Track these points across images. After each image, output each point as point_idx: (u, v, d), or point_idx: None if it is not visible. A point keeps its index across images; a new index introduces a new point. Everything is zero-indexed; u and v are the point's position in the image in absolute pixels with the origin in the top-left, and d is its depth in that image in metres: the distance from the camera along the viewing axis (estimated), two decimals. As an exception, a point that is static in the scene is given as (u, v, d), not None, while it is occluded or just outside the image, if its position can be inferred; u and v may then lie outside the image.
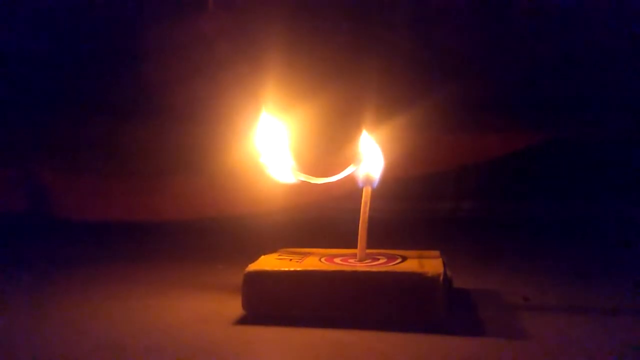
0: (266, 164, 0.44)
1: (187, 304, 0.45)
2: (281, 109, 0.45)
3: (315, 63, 0.88)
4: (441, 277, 0.38)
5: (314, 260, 0.43)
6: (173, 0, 0.94)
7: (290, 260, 0.42)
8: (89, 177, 0.91)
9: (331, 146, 0.83)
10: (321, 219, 0.88)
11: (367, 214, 0.43)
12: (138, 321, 0.41)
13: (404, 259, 0.43)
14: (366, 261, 0.42)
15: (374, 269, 0.40)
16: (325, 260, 0.43)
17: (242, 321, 0.40)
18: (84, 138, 0.94)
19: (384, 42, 0.93)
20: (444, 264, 0.41)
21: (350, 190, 0.45)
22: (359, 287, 0.39)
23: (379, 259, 0.43)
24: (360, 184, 0.44)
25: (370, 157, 0.44)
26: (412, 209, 0.91)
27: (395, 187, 0.82)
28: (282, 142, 0.44)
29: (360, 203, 0.43)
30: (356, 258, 0.43)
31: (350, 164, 0.43)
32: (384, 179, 0.44)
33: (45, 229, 0.85)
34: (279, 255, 0.44)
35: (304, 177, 0.44)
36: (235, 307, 0.41)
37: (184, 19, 0.93)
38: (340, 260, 0.43)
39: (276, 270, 0.40)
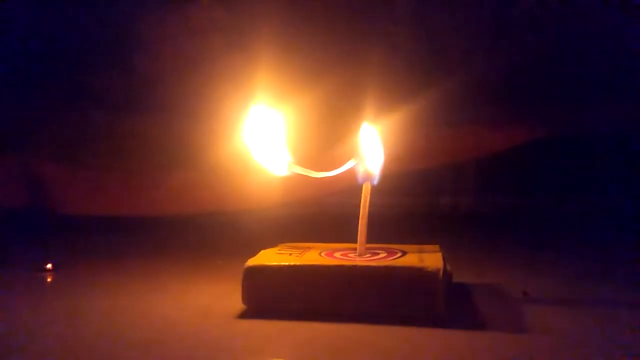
0: (259, 156, 0.44)
1: (187, 298, 0.45)
2: (280, 102, 0.45)
3: (314, 56, 0.88)
4: (441, 272, 0.38)
5: (313, 255, 0.43)
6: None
7: (290, 254, 0.42)
8: (88, 173, 0.91)
9: (331, 140, 0.83)
10: (321, 213, 0.88)
11: (367, 209, 0.43)
12: (138, 315, 0.41)
13: (404, 253, 0.43)
14: (366, 256, 0.42)
15: (374, 264, 0.40)
16: (325, 254, 0.43)
17: (242, 315, 0.40)
18: (83, 133, 0.94)
19: (384, 34, 0.92)
20: (444, 259, 0.41)
21: (350, 185, 0.45)
22: (359, 281, 0.39)
23: (378, 254, 0.43)
24: (360, 180, 0.44)
25: (370, 153, 0.44)
26: (412, 203, 0.91)
27: (395, 181, 0.82)
28: (277, 134, 0.44)
29: (360, 197, 0.43)
30: (356, 252, 0.43)
31: (350, 158, 0.43)
32: (384, 174, 0.44)
33: (44, 224, 0.85)
34: (279, 250, 0.44)
35: (303, 171, 0.44)
36: (235, 301, 0.41)
37: (182, 13, 0.92)
38: (340, 255, 0.43)
39: (276, 265, 0.40)
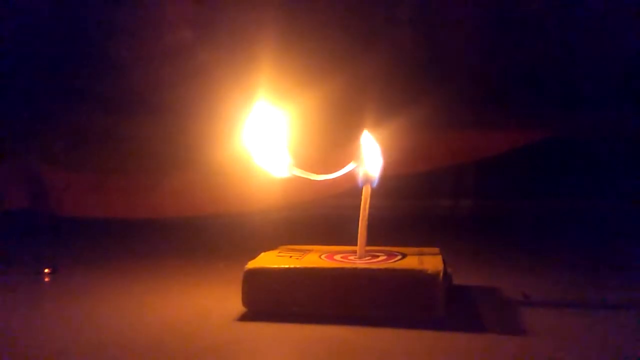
0: (260, 158, 0.44)
1: (187, 300, 0.45)
2: (280, 104, 0.45)
3: (315, 58, 0.88)
4: (441, 274, 0.38)
5: (314, 257, 0.43)
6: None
7: (290, 257, 0.42)
8: (88, 175, 0.91)
9: (332, 143, 0.83)
10: (321, 215, 0.88)
11: (367, 211, 0.43)
12: (138, 318, 0.41)
13: (404, 256, 0.43)
14: (366, 258, 0.42)
15: (374, 266, 0.40)
16: (325, 257, 0.43)
17: (243, 318, 0.40)
18: (83, 136, 0.94)
19: (385, 38, 0.93)
20: (444, 261, 0.41)
21: (351, 188, 0.45)
22: (359, 284, 0.39)
23: (378, 256, 0.43)
24: (360, 183, 0.44)
25: (370, 156, 0.44)
26: (412, 206, 0.91)
27: (395, 184, 0.83)
28: (277, 136, 0.44)
29: (360, 200, 0.43)
30: (356, 255, 0.43)
31: (350, 160, 0.43)
32: (384, 176, 0.44)
33: (44, 226, 0.85)
34: (279, 252, 0.44)
35: (303, 174, 0.44)
36: (235, 303, 0.41)
37: (181, 13, 0.93)
38: (341, 258, 0.43)
39: (276, 267, 0.40)
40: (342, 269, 0.40)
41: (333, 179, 0.44)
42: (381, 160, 0.44)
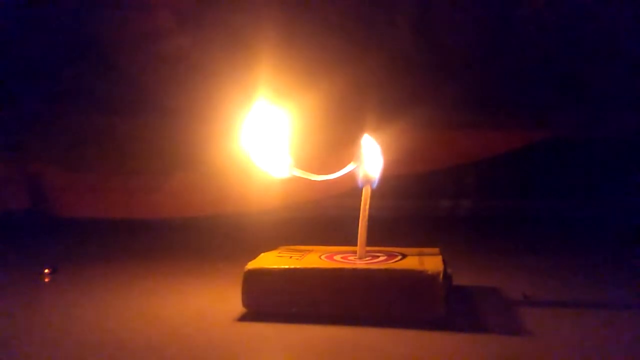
0: (260, 158, 0.44)
1: (187, 301, 0.45)
2: (281, 104, 0.45)
3: (315, 58, 0.88)
4: (441, 275, 0.38)
5: (313, 258, 0.43)
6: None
7: (290, 257, 0.42)
8: (88, 176, 0.91)
9: (332, 143, 0.83)
10: (321, 216, 0.88)
11: (367, 212, 0.43)
12: (138, 318, 0.41)
13: (404, 256, 0.43)
14: (366, 259, 0.42)
15: (374, 267, 0.40)
16: (325, 257, 0.43)
17: (242, 318, 0.40)
18: (83, 136, 0.94)
19: (386, 38, 0.93)
20: (444, 262, 0.41)
21: (351, 188, 0.45)
22: (359, 284, 0.39)
23: (378, 257, 0.43)
24: (360, 183, 0.44)
25: (370, 157, 0.44)
26: (412, 206, 0.91)
27: (395, 184, 0.83)
28: (277, 136, 0.44)
29: (360, 200, 0.43)
30: (356, 255, 0.43)
31: (350, 161, 0.43)
32: (384, 177, 0.44)
33: (44, 227, 0.85)
34: (279, 253, 0.44)
35: (303, 174, 0.44)
36: (235, 304, 0.41)
37: (182, 14, 0.93)
38: (340, 258, 0.43)
39: (276, 268, 0.40)
40: (342, 269, 0.40)
41: (333, 179, 0.44)
42: (381, 161, 0.44)
